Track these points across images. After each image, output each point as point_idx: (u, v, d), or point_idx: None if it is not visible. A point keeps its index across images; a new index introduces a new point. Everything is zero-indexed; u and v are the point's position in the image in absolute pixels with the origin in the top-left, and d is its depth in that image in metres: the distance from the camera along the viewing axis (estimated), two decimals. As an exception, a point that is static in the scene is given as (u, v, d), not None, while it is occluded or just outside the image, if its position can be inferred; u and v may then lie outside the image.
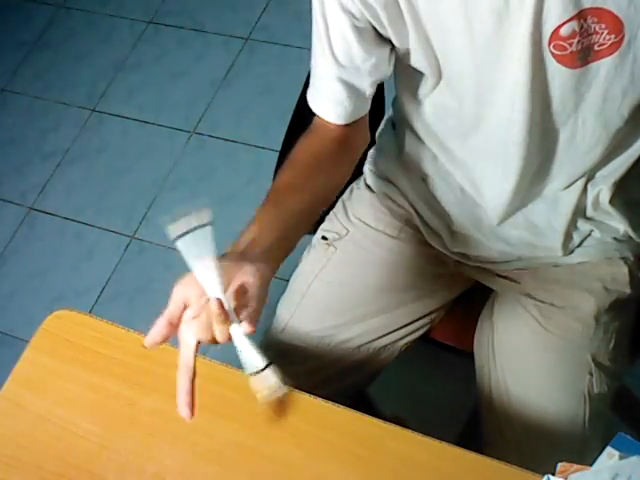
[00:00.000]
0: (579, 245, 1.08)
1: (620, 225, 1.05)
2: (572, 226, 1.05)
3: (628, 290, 1.08)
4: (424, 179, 1.11)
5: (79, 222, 2.21)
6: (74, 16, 2.65)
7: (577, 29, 0.78)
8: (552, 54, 0.81)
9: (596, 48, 0.80)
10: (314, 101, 1.01)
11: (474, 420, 1.13)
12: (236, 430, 0.88)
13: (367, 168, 1.20)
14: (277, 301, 1.19)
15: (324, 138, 1.00)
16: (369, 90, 0.97)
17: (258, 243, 0.86)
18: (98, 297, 2.06)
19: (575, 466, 0.72)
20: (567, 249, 1.07)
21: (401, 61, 0.95)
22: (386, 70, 0.96)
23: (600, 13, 0.77)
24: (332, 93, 0.97)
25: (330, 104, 0.98)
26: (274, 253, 0.88)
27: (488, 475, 0.81)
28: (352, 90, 0.96)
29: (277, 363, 1.13)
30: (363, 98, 0.98)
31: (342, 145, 1.01)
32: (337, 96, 0.97)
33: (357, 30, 0.89)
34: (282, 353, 1.14)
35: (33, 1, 2.72)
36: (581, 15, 0.77)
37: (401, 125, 1.11)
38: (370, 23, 0.88)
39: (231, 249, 0.85)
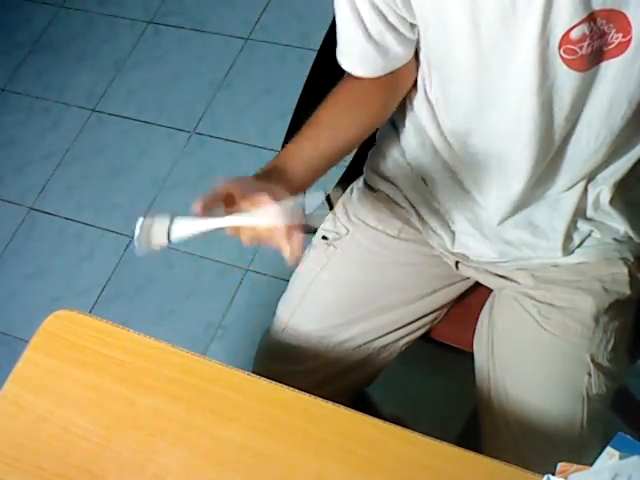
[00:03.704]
0: (579, 245, 1.08)
1: (620, 226, 1.05)
2: (572, 227, 1.05)
3: (628, 291, 1.08)
4: (424, 179, 1.11)
5: (79, 222, 2.21)
6: (74, 16, 2.65)
7: (587, 32, 0.78)
8: (562, 58, 0.81)
9: (604, 49, 0.80)
10: (347, 62, 0.99)
11: (474, 420, 1.13)
12: (236, 430, 0.88)
13: (367, 168, 1.20)
14: (277, 301, 1.19)
15: (365, 81, 1.00)
16: (402, 51, 0.96)
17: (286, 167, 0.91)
18: (98, 297, 2.06)
19: (575, 466, 0.72)
20: (567, 250, 1.07)
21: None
22: (412, 36, 0.94)
23: (610, 15, 0.77)
24: (364, 54, 0.96)
25: (363, 63, 0.98)
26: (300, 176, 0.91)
27: (488, 475, 0.81)
28: (384, 50, 0.95)
29: (278, 363, 1.14)
30: (397, 56, 0.97)
31: (385, 85, 1.01)
32: (369, 55, 0.96)
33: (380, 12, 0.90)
34: (282, 353, 1.15)
35: (33, 1, 2.72)
36: (591, 17, 0.77)
37: (402, 124, 1.11)
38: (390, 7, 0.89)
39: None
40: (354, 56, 0.98)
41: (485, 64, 0.85)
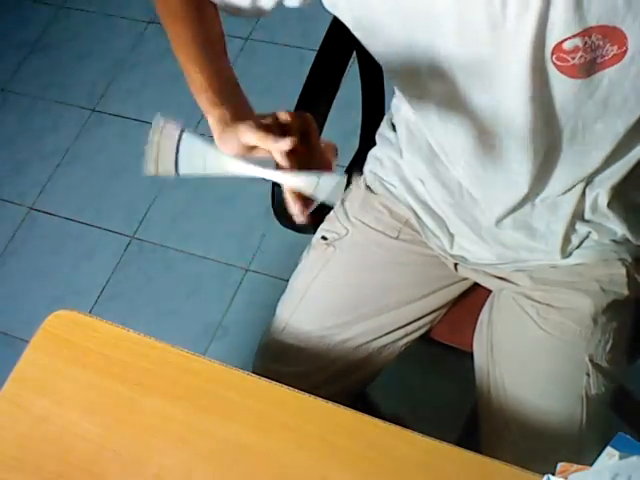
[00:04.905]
0: (577, 247, 1.08)
1: (618, 228, 1.05)
2: (570, 229, 1.05)
3: (626, 292, 1.08)
4: (423, 181, 1.11)
5: (79, 222, 2.21)
6: (74, 16, 2.65)
7: (581, 45, 0.78)
8: (554, 64, 0.81)
9: (599, 60, 0.80)
10: None
11: (473, 420, 1.13)
12: (236, 430, 0.88)
13: (367, 169, 1.20)
14: (277, 301, 1.19)
15: None
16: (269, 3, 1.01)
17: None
18: (98, 297, 2.06)
19: (575, 466, 0.72)
20: (565, 252, 1.07)
21: (393, 59, 0.95)
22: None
23: (605, 30, 0.77)
24: None
25: None
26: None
27: (488, 475, 0.81)
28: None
29: (277, 363, 1.14)
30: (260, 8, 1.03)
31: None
32: None
33: None
34: (282, 353, 1.15)
35: (33, 1, 2.71)
36: (586, 32, 0.77)
37: (400, 126, 1.11)
38: None
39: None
40: None
41: (473, 72, 0.85)
